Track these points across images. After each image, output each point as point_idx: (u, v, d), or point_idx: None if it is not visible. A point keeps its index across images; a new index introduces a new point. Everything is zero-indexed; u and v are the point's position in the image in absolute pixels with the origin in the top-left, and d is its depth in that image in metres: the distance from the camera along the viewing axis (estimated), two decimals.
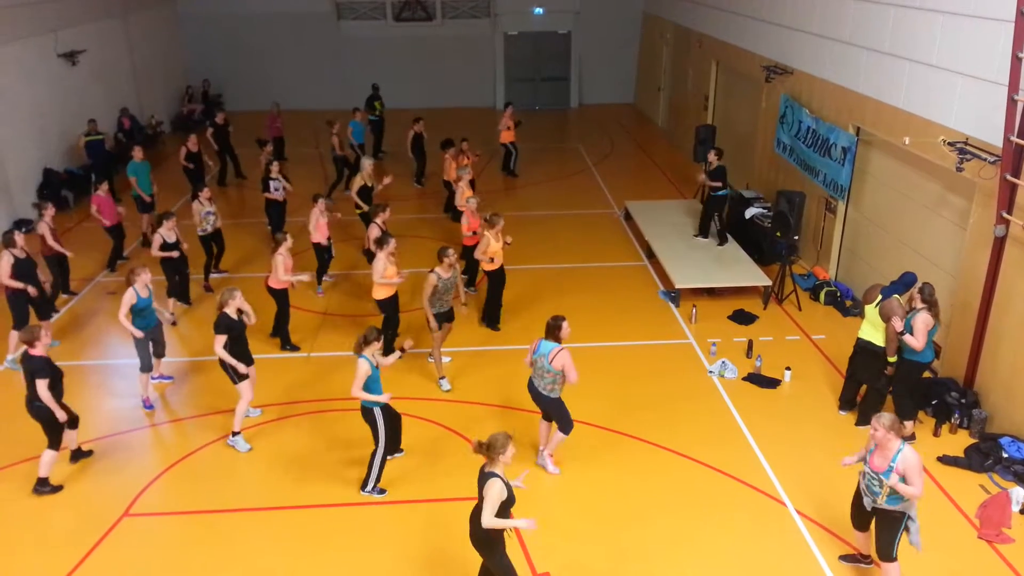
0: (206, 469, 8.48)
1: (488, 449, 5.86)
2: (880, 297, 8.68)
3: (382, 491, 8.04)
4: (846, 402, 9.38)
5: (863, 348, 8.93)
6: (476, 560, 6.34)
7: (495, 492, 5.75)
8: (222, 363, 8.50)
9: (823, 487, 8.09)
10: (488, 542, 5.94)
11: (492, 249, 10.79)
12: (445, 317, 9.73)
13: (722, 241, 13.54)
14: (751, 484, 8.18)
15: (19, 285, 9.97)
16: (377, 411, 7.69)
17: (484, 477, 5.87)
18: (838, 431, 9.09)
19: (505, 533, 6.01)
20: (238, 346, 8.52)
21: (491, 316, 11.45)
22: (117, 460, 8.62)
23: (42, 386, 7.66)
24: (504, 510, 5.83)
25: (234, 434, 8.74)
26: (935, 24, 9.77)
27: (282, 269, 10.20)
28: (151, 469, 8.46)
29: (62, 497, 8.06)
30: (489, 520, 5.74)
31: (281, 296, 10.53)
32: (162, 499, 8.04)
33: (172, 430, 9.21)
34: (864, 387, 9.16)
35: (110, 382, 10.18)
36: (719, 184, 13.41)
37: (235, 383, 8.60)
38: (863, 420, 9.07)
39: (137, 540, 7.47)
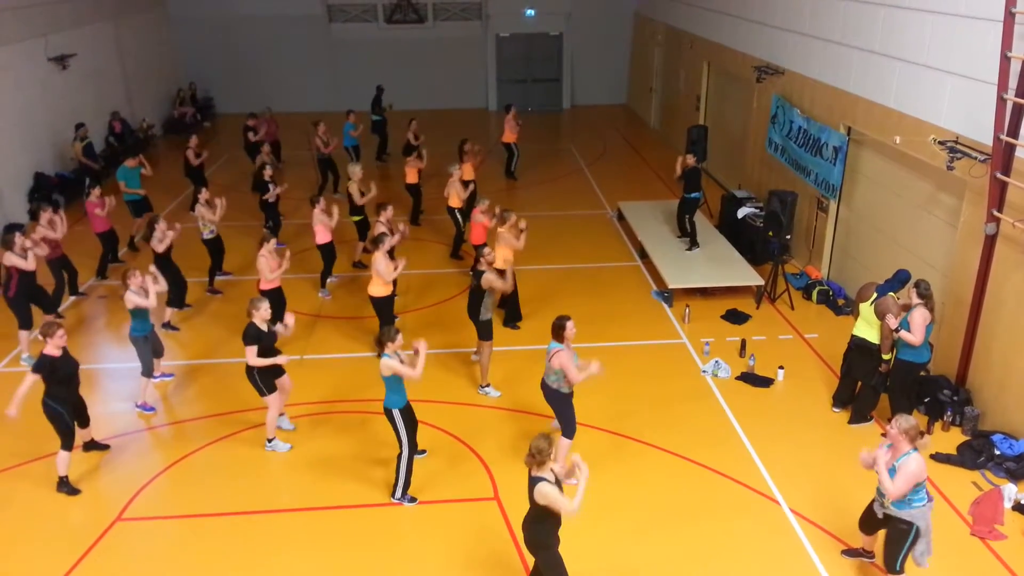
0: (201, 473, 8.44)
1: (536, 455, 5.84)
2: (875, 295, 8.71)
3: (412, 499, 7.91)
4: (840, 400, 9.40)
5: (858, 345, 8.97)
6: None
7: (555, 491, 5.78)
8: (249, 375, 8.38)
9: (816, 485, 8.12)
10: (543, 543, 6.05)
11: (516, 245, 10.77)
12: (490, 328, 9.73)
13: (692, 246, 13.30)
14: (745, 483, 8.19)
15: (32, 266, 10.26)
16: (396, 413, 7.56)
17: (532, 482, 5.88)
18: (831, 429, 9.12)
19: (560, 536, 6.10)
20: (267, 356, 8.31)
21: (511, 315, 11.44)
22: (112, 463, 8.58)
23: (27, 380, 7.67)
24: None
25: (269, 441, 8.72)
26: (925, 24, 9.82)
27: (267, 269, 10.15)
28: (146, 473, 8.42)
29: (56, 500, 8.01)
30: (577, 505, 5.76)
31: (273, 297, 10.43)
32: (156, 503, 8.00)
33: (169, 433, 9.17)
34: (860, 384, 9.19)
35: (108, 385, 10.14)
36: (693, 181, 13.16)
37: (262, 396, 8.50)
38: (857, 418, 9.12)
39: (129, 545, 7.43)
